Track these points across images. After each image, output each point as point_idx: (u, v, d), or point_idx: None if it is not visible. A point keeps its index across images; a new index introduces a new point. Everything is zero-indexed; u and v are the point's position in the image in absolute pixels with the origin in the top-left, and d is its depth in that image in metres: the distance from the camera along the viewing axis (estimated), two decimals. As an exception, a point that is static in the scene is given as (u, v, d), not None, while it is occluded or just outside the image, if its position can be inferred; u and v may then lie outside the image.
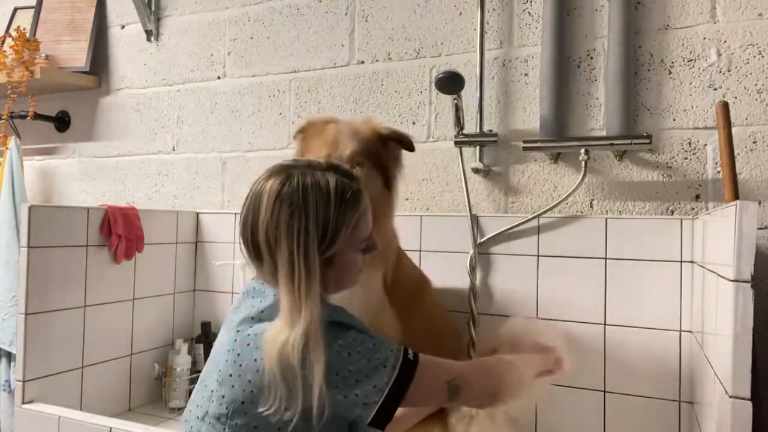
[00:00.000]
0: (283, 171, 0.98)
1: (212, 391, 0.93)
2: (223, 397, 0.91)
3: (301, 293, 0.91)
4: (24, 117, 2.29)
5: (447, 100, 1.65)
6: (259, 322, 0.94)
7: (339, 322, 0.94)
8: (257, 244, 0.95)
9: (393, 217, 1.35)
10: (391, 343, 0.96)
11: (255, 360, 0.90)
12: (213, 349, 1.01)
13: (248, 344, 0.92)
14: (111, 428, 1.39)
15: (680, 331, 1.41)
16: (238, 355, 0.91)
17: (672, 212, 1.49)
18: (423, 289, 1.49)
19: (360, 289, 1.25)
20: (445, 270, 1.62)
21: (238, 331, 0.94)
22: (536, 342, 1.26)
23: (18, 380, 1.53)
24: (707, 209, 1.44)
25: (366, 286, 1.27)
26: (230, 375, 0.91)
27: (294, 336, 0.87)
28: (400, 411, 1.02)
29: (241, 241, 1.00)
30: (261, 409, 0.88)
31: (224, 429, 0.90)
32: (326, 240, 0.94)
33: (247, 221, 0.97)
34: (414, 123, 1.78)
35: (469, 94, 1.64)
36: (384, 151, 1.32)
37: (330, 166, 1.01)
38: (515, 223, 1.58)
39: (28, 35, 2.28)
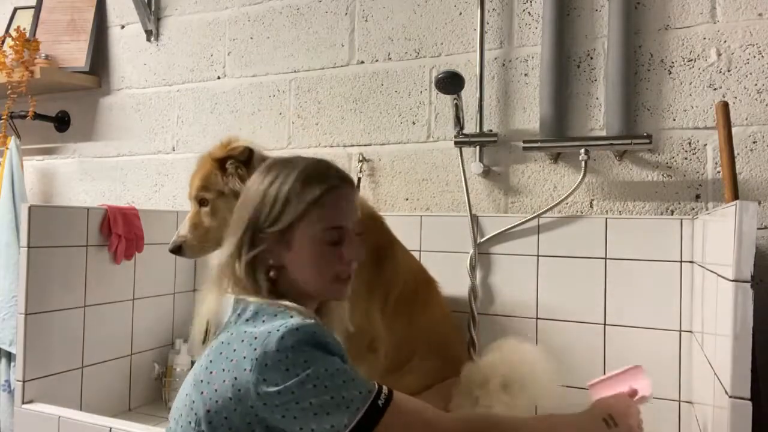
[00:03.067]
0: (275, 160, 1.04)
1: (186, 395, 0.92)
2: (194, 402, 0.89)
3: (234, 252, 0.95)
4: (24, 117, 2.29)
5: (447, 100, 1.65)
6: (236, 329, 0.92)
7: (322, 343, 0.86)
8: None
9: None
10: (364, 383, 0.87)
11: (223, 370, 0.87)
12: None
13: (220, 353, 0.90)
14: (111, 428, 1.39)
15: (680, 331, 1.41)
16: (210, 361, 0.90)
17: (672, 212, 1.49)
18: (425, 289, 1.48)
19: None
20: (445, 270, 1.61)
21: (217, 336, 0.95)
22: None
23: (18, 380, 1.53)
24: (707, 209, 1.44)
25: None
26: (201, 381, 0.89)
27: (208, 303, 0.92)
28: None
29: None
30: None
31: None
32: (276, 207, 0.94)
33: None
34: (414, 123, 1.78)
35: (469, 94, 1.64)
36: (224, 174, 1.33)
37: (315, 159, 1.03)
38: (515, 223, 1.58)
39: (28, 35, 2.28)
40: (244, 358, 0.85)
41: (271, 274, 0.96)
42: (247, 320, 0.92)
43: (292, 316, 0.89)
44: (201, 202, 1.36)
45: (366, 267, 1.27)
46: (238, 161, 1.33)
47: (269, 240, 0.95)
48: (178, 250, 1.39)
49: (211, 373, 0.89)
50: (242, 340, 0.88)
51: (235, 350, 0.87)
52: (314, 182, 0.96)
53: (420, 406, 0.91)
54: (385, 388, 0.89)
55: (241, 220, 0.98)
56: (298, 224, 0.95)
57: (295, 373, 0.83)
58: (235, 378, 0.85)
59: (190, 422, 0.89)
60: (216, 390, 0.86)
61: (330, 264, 0.97)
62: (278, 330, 0.85)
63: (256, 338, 0.86)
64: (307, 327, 0.86)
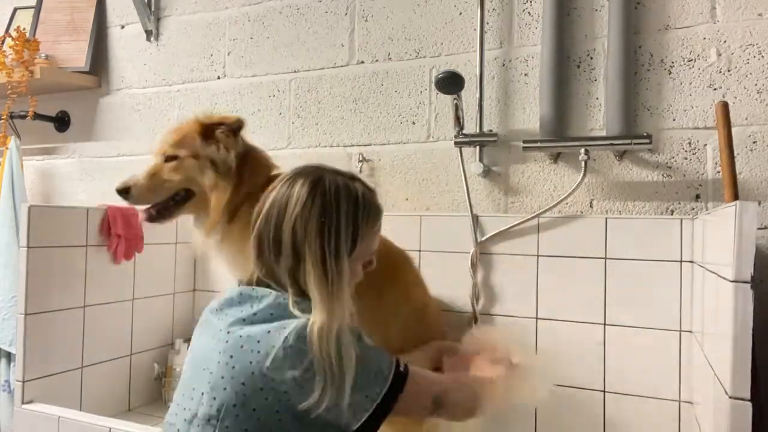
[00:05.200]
0: (313, 172, 1.02)
1: (202, 393, 0.92)
2: (215, 399, 0.90)
3: (334, 289, 0.94)
4: (24, 117, 2.29)
5: (447, 100, 1.65)
6: (251, 324, 0.94)
7: (351, 328, 0.95)
8: (280, 241, 0.96)
9: (229, 199, 1.37)
10: (386, 354, 0.98)
11: (250, 362, 0.89)
12: (194, 352, 1.00)
13: (241, 346, 0.91)
14: (111, 428, 1.39)
15: (680, 331, 1.41)
16: (231, 357, 0.91)
17: (672, 212, 1.49)
18: (401, 266, 1.45)
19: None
20: (445, 270, 1.62)
21: (228, 332, 0.94)
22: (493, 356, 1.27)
23: (18, 380, 1.53)
24: (707, 209, 1.44)
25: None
26: (222, 377, 0.90)
27: (335, 325, 0.90)
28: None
29: (259, 238, 1.00)
30: (255, 409, 0.88)
31: (214, 431, 0.90)
32: (352, 243, 0.98)
33: (270, 217, 0.98)
34: (414, 123, 1.78)
35: (469, 94, 1.64)
36: (207, 140, 1.38)
37: (354, 176, 1.06)
38: (515, 223, 1.58)
39: (28, 35, 2.28)
40: (273, 347, 0.89)
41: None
42: (255, 314, 0.95)
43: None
44: (169, 158, 1.38)
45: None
46: (230, 130, 1.38)
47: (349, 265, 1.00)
48: (126, 191, 1.39)
49: (233, 368, 0.90)
50: (268, 332, 0.91)
51: (259, 342, 0.91)
52: (373, 216, 1.04)
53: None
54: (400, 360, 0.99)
55: (308, 233, 0.96)
56: (354, 257, 1.01)
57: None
58: (267, 367, 0.88)
59: (209, 419, 0.90)
60: (243, 383, 0.89)
61: (357, 280, 1.06)
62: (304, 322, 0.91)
63: (284, 328, 0.91)
64: None
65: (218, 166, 1.37)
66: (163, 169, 1.38)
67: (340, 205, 0.97)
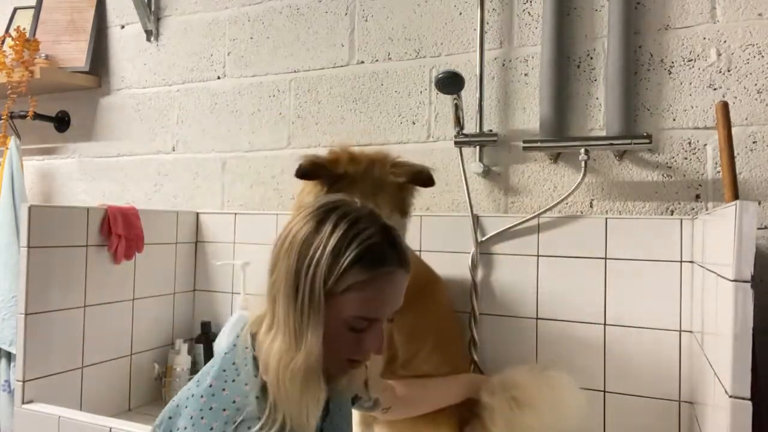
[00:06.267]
0: (342, 200, 0.90)
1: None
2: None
3: (303, 316, 0.82)
4: (24, 117, 2.29)
5: (447, 100, 1.65)
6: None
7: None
8: (273, 253, 0.90)
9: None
10: None
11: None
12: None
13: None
14: (111, 428, 1.39)
15: (680, 331, 1.41)
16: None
17: (672, 212, 1.49)
18: (432, 287, 1.49)
19: None
20: (445, 270, 1.61)
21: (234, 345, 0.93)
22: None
23: (18, 380, 1.53)
24: (707, 209, 1.44)
25: None
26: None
27: (299, 359, 0.81)
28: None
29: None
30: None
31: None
32: (331, 277, 0.82)
33: (282, 232, 0.91)
34: (414, 123, 1.78)
35: (469, 94, 1.64)
36: (400, 192, 1.30)
37: (386, 227, 0.88)
38: (515, 223, 1.58)
39: (28, 35, 2.28)
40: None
41: None
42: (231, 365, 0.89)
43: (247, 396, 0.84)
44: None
45: None
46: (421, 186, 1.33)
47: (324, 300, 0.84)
48: None
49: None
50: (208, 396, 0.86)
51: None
52: (368, 263, 0.83)
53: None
54: None
55: (294, 269, 0.85)
56: (333, 299, 0.84)
57: None
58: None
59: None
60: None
61: (345, 350, 0.87)
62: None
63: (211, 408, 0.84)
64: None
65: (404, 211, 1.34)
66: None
67: (335, 231, 0.83)
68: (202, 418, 0.83)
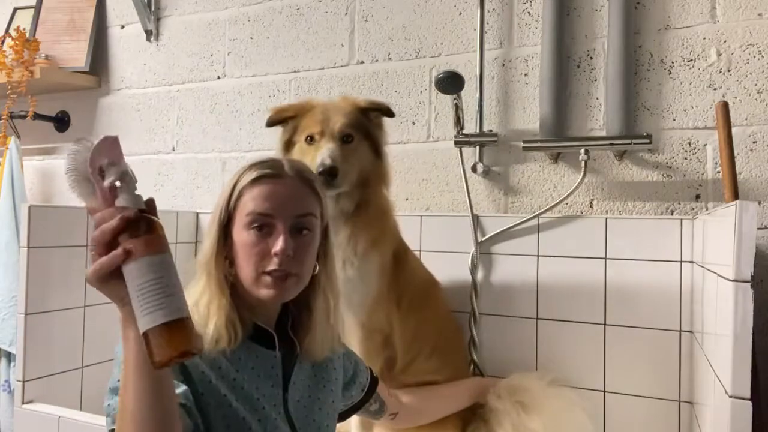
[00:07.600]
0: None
1: None
2: None
3: (205, 258, 0.93)
4: (24, 117, 2.29)
5: (447, 100, 1.65)
6: None
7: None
8: None
9: (386, 184, 1.36)
10: None
11: None
12: None
13: None
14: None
15: (680, 331, 1.41)
16: None
17: (672, 212, 1.49)
18: (433, 291, 1.50)
19: (358, 281, 1.26)
20: (444, 270, 1.61)
21: None
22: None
23: (18, 380, 1.53)
24: (707, 209, 1.44)
25: (363, 276, 1.28)
26: None
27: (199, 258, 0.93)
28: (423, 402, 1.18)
29: None
30: None
31: None
32: (224, 196, 0.95)
33: None
34: (414, 123, 1.78)
35: (469, 94, 1.64)
36: (367, 121, 1.34)
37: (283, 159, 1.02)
38: (515, 223, 1.58)
39: (28, 35, 2.28)
40: None
41: (229, 273, 0.93)
42: None
43: None
44: (345, 137, 1.27)
45: (387, 271, 1.33)
46: (384, 115, 1.36)
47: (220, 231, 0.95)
48: (331, 171, 1.19)
49: None
50: None
51: None
52: (252, 169, 0.95)
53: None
54: None
55: (213, 212, 0.97)
56: (234, 213, 0.94)
57: None
58: None
59: None
60: None
61: (254, 253, 0.90)
62: None
63: None
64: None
65: (378, 150, 1.34)
66: (347, 150, 1.27)
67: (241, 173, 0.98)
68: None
